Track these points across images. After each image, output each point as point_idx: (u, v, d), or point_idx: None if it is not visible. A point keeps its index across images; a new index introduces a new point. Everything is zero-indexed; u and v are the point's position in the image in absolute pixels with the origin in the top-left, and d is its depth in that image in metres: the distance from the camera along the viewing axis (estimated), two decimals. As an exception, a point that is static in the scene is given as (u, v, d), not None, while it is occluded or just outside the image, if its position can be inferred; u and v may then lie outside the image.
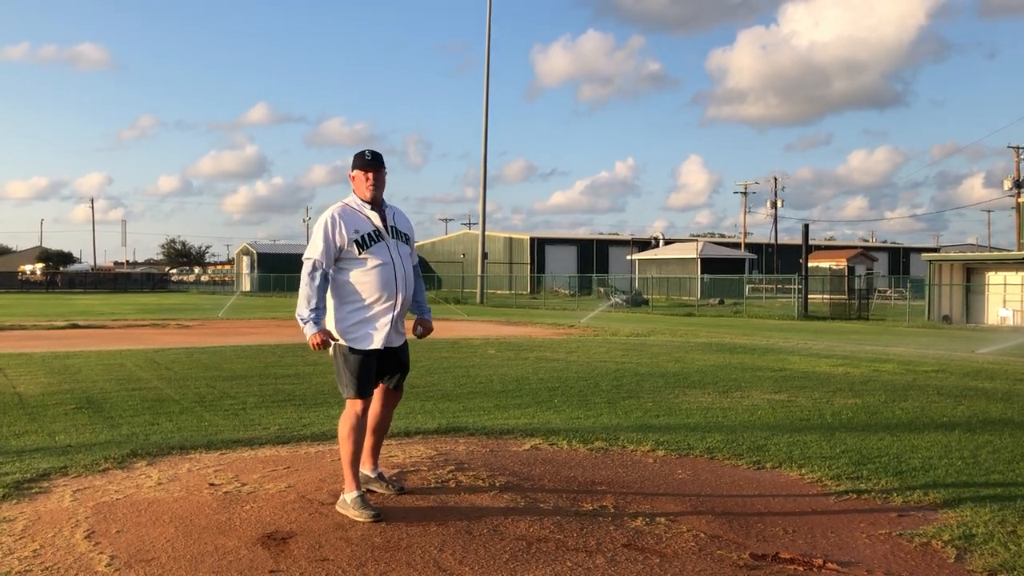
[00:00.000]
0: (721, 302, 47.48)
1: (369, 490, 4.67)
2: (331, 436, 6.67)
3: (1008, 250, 49.32)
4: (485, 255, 52.69)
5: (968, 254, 42.45)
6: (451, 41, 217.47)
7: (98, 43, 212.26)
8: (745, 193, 78.09)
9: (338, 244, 4.49)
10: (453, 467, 5.45)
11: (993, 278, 33.08)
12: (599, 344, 16.71)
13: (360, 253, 4.50)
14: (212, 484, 5.06)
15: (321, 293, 4.50)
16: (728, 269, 62.40)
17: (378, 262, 4.52)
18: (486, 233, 52.67)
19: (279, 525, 4.25)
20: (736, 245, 79.19)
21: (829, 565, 3.83)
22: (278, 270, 73.90)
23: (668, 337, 19.38)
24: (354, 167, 4.64)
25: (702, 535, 4.23)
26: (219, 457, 5.90)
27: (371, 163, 4.60)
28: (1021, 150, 53.36)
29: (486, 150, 48.34)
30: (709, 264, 63.02)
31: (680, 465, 5.78)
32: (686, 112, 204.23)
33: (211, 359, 12.87)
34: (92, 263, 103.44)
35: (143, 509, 4.55)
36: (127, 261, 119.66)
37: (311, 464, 5.59)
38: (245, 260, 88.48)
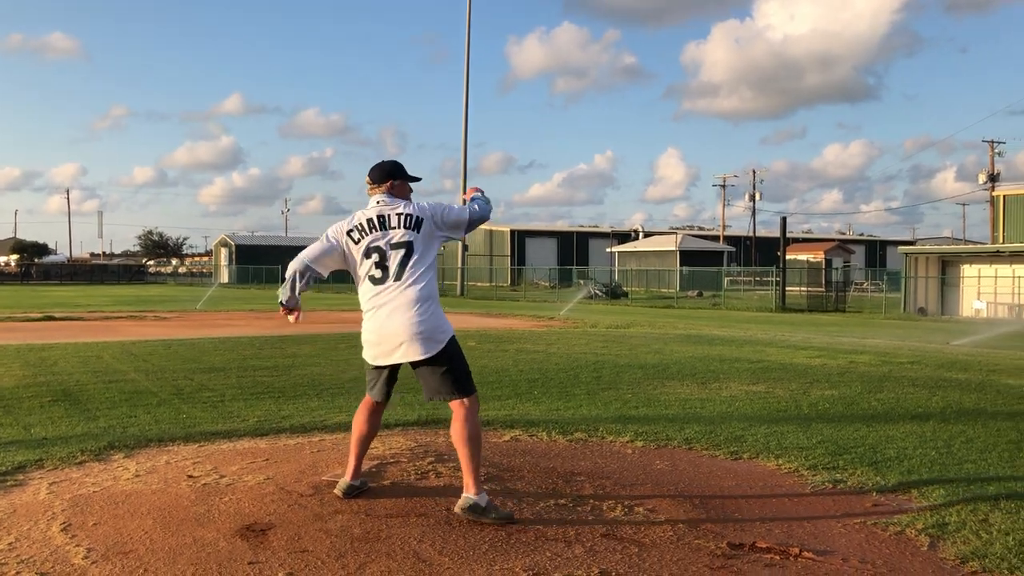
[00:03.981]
0: (700, 294, 47.74)
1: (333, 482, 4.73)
2: (310, 428, 6.66)
3: (982, 243, 49.88)
4: (465, 247, 52.62)
5: (943, 247, 42.93)
6: (426, 32, 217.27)
7: (67, 32, 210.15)
8: (724, 186, 78.52)
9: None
10: (433, 458, 5.46)
11: (968, 271, 33.48)
12: (579, 336, 16.75)
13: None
14: (190, 476, 5.04)
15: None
16: (707, 262, 62.73)
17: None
18: (466, 225, 52.44)
19: (258, 517, 4.24)
20: (715, 238, 79.61)
21: (805, 554, 3.87)
22: (257, 262, 73.45)
23: (647, 329, 19.46)
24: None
25: (680, 525, 4.26)
26: (197, 449, 5.87)
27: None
28: (996, 144, 53.98)
29: (466, 142, 48.26)
30: (688, 257, 63.34)
31: (659, 456, 5.82)
32: (661, 105, 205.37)
33: (189, 351, 12.79)
34: (68, 254, 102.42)
35: (120, 501, 4.52)
36: (103, 252, 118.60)
37: (290, 456, 5.58)
38: (223, 252, 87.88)
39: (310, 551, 3.78)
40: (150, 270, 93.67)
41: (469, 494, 4.26)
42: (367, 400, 4.67)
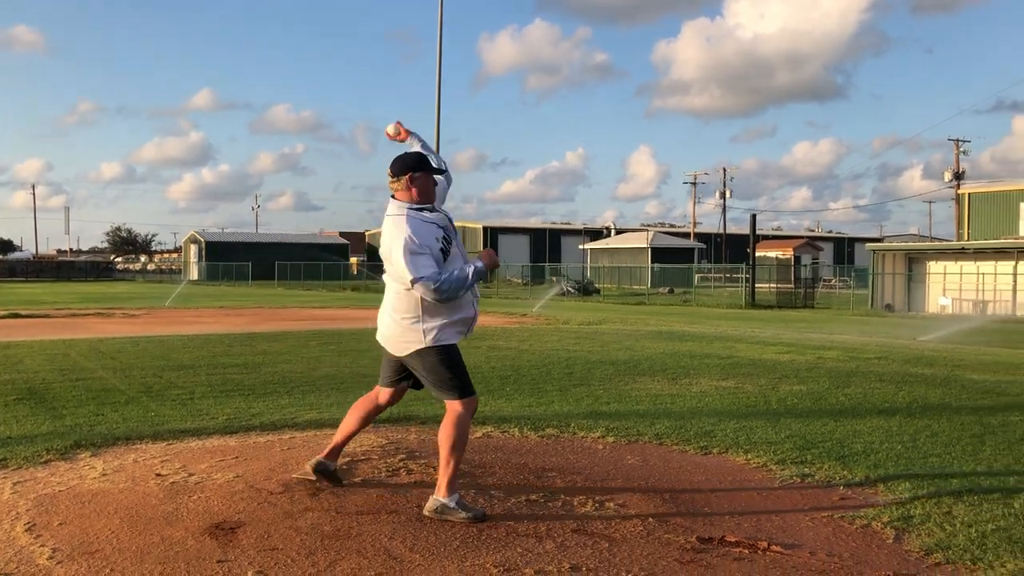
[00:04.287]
0: (671, 291, 48.00)
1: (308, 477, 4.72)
2: (280, 426, 6.62)
3: (948, 240, 50.65)
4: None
5: (910, 244, 43.48)
6: (399, 29, 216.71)
7: (32, 26, 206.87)
8: (694, 183, 78.98)
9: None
10: (404, 456, 5.45)
11: (934, 267, 33.97)
12: (551, 333, 16.79)
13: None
14: (159, 474, 4.99)
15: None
16: (678, 258, 63.07)
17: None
18: (438, 222, 52.28)
19: (227, 515, 4.21)
20: (685, 235, 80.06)
21: (773, 548, 3.91)
22: (227, 258, 72.78)
23: (619, 326, 19.54)
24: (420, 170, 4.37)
25: (650, 519, 4.29)
26: (166, 447, 5.82)
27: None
28: (961, 143, 54.78)
29: (439, 139, 47.98)
30: (659, 254, 63.68)
31: (630, 451, 5.85)
32: (632, 103, 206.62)
33: (158, 348, 12.65)
34: (34, 251, 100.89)
35: (87, 501, 4.47)
36: (71, 249, 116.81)
37: (260, 454, 5.54)
38: (193, 248, 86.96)
39: (280, 549, 3.76)
40: (118, 267, 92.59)
41: (438, 496, 4.26)
42: (375, 389, 4.70)
